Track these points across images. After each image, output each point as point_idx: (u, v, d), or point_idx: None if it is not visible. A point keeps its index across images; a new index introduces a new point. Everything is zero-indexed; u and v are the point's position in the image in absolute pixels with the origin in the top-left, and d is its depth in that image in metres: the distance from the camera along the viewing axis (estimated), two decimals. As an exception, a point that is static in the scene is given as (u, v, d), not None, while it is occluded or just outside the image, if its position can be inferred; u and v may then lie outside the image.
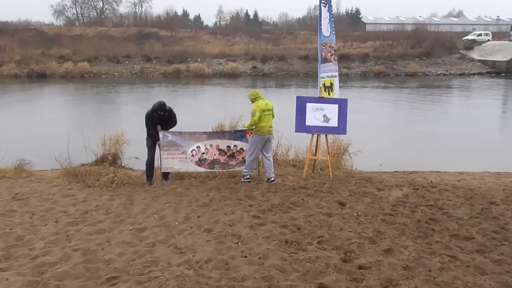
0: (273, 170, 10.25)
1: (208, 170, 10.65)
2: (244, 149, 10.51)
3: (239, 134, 10.52)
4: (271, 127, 10.07)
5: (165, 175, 10.57)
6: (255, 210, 8.33)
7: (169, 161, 10.46)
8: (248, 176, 10.20)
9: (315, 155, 11.15)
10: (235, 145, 10.55)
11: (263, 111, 9.87)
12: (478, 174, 12.02)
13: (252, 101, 10.07)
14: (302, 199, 8.99)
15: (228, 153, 10.56)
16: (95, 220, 7.98)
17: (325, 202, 8.90)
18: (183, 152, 10.47)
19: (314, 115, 10.65)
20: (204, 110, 24.27)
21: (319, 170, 11.37)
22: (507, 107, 28.58)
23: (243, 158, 10.55)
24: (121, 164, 12.53)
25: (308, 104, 10.64)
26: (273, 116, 10.15)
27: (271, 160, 10.25)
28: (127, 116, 23.06)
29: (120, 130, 13.29)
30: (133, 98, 29.52)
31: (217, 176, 10.80)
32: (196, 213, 8.25)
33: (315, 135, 10.91)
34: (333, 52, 11.11)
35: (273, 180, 10.13)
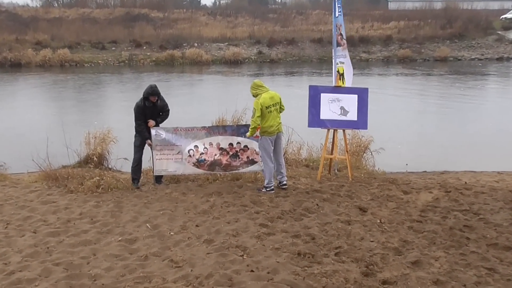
0: (285, 173, 10.20)
1: (208, 172, 10.67)
2: (248, 146, 10.53)
3: (243, 129, 10.51)
4: (279, 123, 9.89)
5: (158, 178, 10.61)
6: (263, 218, 8.34)
7: (163, 162, 10.49)
8: (272, 187, 9.94)
9: (331, 153, 11.14)
10: (238, 142, 10.56)
11: (267, 107, 9.61)
12: (520, 174, 12.01)
13: (254, 95, 9.80)
14: (317, 205, 9.00)
15: (231, 153, 10.58)
16: (79, 230, 8.01)
17: (343, 207, 8.90)
18: (178, 152, 10.50)
19: (330, 107, 10.65)
20: (202, 102, 24.37)
21: (336, 171, 11.37)
22: (553, 96, 28.45)
23: (248, 157, 10.58)
24: (108, 165, 12.58)
25: (322, 95, 10.64)
26: (282, 109, 9.94)
27: (283, 161, 10.21)
28: (114, 110, 23.15)
29: (107, 127, 13.33)
30: (121, 89, 29.63)
31: (218, 179, 10.84)
32: (194, 222, 8.27)
33: (331, 131, 10.91)
34: (341, 34, 11.09)
35: (284, 185, 10.11)
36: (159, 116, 10.34)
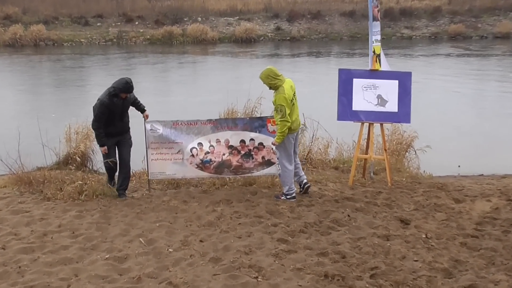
0: (303, 172, 10.33)
1: (215, 175, 10.71)
2: (264, 144, 10.55)
3: (258, 123, 10.54)
4: (298, 115, 10.01)
5: (121, 190, 10.44)
6: (282, 232, 8.36)
7: (160, 164, 10.54)
8: (293, 194, 10.00)
9: (366, 153, 11.12)
10: (252, 139, 10.58)
11: (291, 100, 9.60)
12: None
13: (272, 87, 9.66)
14: (348, 216, 9.00)
15: (243, 152, 10.60)
16: (58, 245, 8.07)
17: (380, 219, 8.89)
18: (179, 151, 10.55)
19: (365, 95, 10.63)
20: (207, 90, 24.45)
21: (371, 174, 11.36)
22: None
23: (263, 158, 10.61)
24: (92, 167, 12.64)
25: (355, 81, 10.63)
26: None
27: (298, 159, 10.32)
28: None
29: (91, 120, 13.33)
30: (108, 74, 29.64)
31: (226, 183, 10.88)
32: (197, 236, 8.31)
33: (366, 125, 10.88)
34: (378, 6, 11.04)
35: (307, 184, 10.21)
36: (127, 113, 10.22)
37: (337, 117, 10.77)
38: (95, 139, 10.24)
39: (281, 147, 9.80)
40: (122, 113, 10.03)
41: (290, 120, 9.48)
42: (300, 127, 10.05)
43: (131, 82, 9.87)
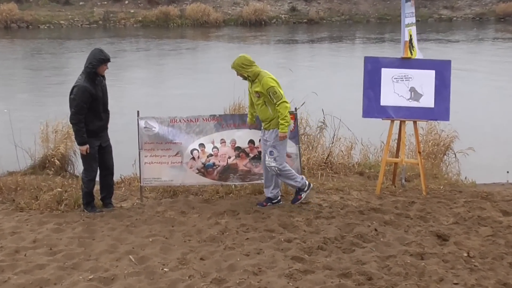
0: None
1: (219, 182, 10.73)
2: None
3: (269, 121, 10.54)
4: None
5: (105, 200, 10.45)
6: (297, 248, 8.35)
7: (154, 168, 10.57)
8: (306, 182, 10.23)
9: (397, 156, 11.10)
10: (263, 140, 10.59)
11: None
12: None
13: (250, 76, 9.72)
14: (375, 230, 8.97)
15: (252, 154, 10.61)
16: (32, 264, 8.07)
17: (413, 234, 8.87)
18: (177, 153, 10.58)
19: (395, 88, 10.62)
20: (210, 81, 24.51)
21: (403, 181, 11.33)
22: None
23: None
24: (74, 172, 12.68)
25: (384, 71, 10.62)
26: None
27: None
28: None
29: (70, 114, 13.36)
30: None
31: (232, 192, 10.90)
32: (198, 253, 8.31)
33: (397, 123, 10.87)
34: None
35: (278, 202, 10.30)
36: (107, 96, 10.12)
37: (363, 113, 10.76)
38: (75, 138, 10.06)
39: (282, 147, 9.86)
40: (106, 101, 10.00)
41: (288, 101, 9.62)
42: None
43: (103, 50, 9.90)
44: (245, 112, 12.05)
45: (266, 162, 9.89)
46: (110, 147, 10.22)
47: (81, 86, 9.53)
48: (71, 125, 10.13)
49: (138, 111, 10.53)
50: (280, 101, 9.48)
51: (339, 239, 8.66)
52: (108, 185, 10.32)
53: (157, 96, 20.00)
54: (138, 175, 10.80)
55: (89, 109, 9.64)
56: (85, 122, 9.66)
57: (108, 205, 10.30)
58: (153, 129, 10.47)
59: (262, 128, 9.98)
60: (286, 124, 9.55)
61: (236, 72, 9.77)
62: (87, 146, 9.76)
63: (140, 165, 10.60)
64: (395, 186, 11.29)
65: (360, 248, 8.38)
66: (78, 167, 12.74)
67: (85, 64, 9.67)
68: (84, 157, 9.93)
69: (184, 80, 24.77)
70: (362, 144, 12.94)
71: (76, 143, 10.13)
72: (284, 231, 9.02)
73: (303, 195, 10.11)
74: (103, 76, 9.89)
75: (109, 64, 9.80)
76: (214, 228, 9.19)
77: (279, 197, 10.26)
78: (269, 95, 9.50)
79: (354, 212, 9.80)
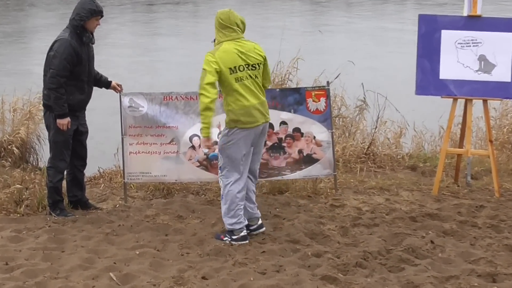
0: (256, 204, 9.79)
1: None
2: (303, 130, 10.57)
3: (293, 98, 10.61)
4: (265, 103, 9.45)
5: (83, 204, 10.42)
6: (328, 266, 8.28)
7: (142, 159, 10.56)
8: (242, 231, 9.31)
9: (461, 146, 11.04)
10: (283, 122, 10.63)
11: (233, 69, 9.16)
12: None
13: (216, 32, 9.35)
14: (432, 242, 8.90)
15: (270, 142, 10.63)
16: (-15, 282, 8.11)
17: (482, 248, 8.78)
18: (171, 141, 10.58)
19: (459, 57, 10.56)
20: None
21: (468, 178, 11.28)
22: None
23: (301, 152, 10.64)
24: (37, 163, 12.69)
25: (445, 34, 10.56)
26: (267, 77, 9.60)
27: (254, 178, 9.79)
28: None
29: (36, 92, 13.34)
30: (59, 20, 29.64)
31: (243, 190, 10.85)
32: (199, 270, 8.25)
33: (461, 102, 10.83)
34: None
35: (258, 228, 9.67)
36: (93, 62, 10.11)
37: (416, 90, 10.74)
38: (49, 109, 9.81)
39: (225, 155, 9.32)
40: (91, 69, 10.00)
41: (210, 93, 8.93)
42: (265, 123, 9.50)
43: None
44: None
45: None
46: (87, 133, 10.26)
47: (65, 40, 9.50)
48: (35, 102, 10.10)
49: (120, 85, 10.47)
50: (200, 91, 9.07)
51: (383, 254, 8.56)
52: (81, 182, 10.38)
53: (144, 64, 19.94)
54: (121, 168, 10.82)
55: (70, 75, 9.60)
56: (68, 90, 9.63)
57: (88, 204, 10.35)
58: (141, 108, 10.44)
59: None
60: (203, 124, 9.08)
61: None
62: (69, 119, 9.68)
63: (123, 155, 10.57)
64: (458, 185, 11.24)
65: (411, 265, 8.30)
66: (44, 156, 12.73)
67: (70, 16, 9.65)
68: (55, 141, 9.87)
69: (180, 42, 24.76)
70: (415, 130, 12.91)
71: (52, 117, 9.76)
72: (312, 243, 8.96)
73: (227, 240, 9.26)
74: (92, 35, 9.84)
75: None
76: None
77: (243, 231, 9.40)
78: None
79: (403, 218, 9.76)
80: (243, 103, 8.96)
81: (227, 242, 9.14)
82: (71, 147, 9.96)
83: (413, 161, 12.40)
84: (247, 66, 9.04)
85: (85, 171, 10.50)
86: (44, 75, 9.76)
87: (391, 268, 8.25)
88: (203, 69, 8.91)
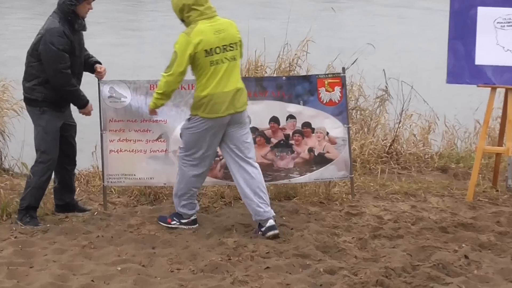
0: (268, 200, 9.88)
1: (224, 181, 10.75)
2: (314, 125, 10.56)
3: (302, 86, 10.59)
4: (239, 90, 9.62)
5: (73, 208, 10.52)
6: (343, 284, 8.22)
7: (125, 159, 10.56)
8: (193, 215, 9.92)
9: (500, 144, 11.00)
10: (291, 116, 10.61)
11: (208, 52, 9.34)
12: None
13: (184, 21, 9.60)
14: (466, 257, 8.85)
15: (275, 139, 10.65)
16: None
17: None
18: (159, 138, 10.58)
19: (499, 38, 10.52)
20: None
21: (509, 182, 11.22)
22: None
23: (311, 150, 10.63)
24: (1, 163, 12.67)
25: (481, 11, 10.50)
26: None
27: (259, 169, 9.95)
28: (18, 45, 23.37)
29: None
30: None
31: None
32: (193, 289, 8.30)
33: (501, 92, 10.78)
34: None
35: (273, 229, 9.72)
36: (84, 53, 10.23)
37: (447, 77, 10.72)
38: (30, 104, 9.96)
39: (184, 133, 9.76)
40: (82, 60, 10.11)
41: (175, 82, 9.44)
42: (239, 114, 9.68)
43: None
44: (265, 75, 12.03)
45: None
46: (75, 128, 10.35)
47: (57, 29, 9.59)
48: (23, 88, 10.09)
49: (103, 68, 10.40)
50: (166, 72, 9.38)
51: (409, 271, 8.50)
52: (71, 185, 10.45)
53: (127, 46, 19.97)
54: (100, 169, 10.81)
55: None
56: (48, 85, 9.75)
57: (77, 207, 10.45)
58: (123, 99, 10.41)
59: None
60: (158, 99, 9.60)
61: None
62: (91, 104, 10.06)
63: (102, 154, 10.56)
64: (496, 190, 11.20)
65: (441, 284, 8.25)
66: (9, 153, 12.84)
67: (59, 0, 9.72)
68: (42, 137, 9.94)
69: (169, 21, 24.78)
70: (446, 125, 12.91)
71: (36, 112, 9.92)
72: (324, 257, 8.90)
73: (175, 224, 9.84)
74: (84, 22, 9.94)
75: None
76: (217, 250, 9.11)
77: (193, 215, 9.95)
78: None
79: (432, 229, 9.72)
80: (212, 89, 9.30)
81: (175, 226, 9.72)
82: (59, 143, 10.02)
83: (443, 162, 12.37)
84: (224, 47, 9.34)
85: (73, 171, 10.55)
86: (29, 66, 9.89)
87: (418, 287, 8.20)
88: (175, 51, 9.19)
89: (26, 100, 10.05)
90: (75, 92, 9.87)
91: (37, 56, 9.77)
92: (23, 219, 9.96)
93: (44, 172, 9.98)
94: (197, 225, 9.80)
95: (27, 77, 9.93)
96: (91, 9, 9.89)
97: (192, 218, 9.83)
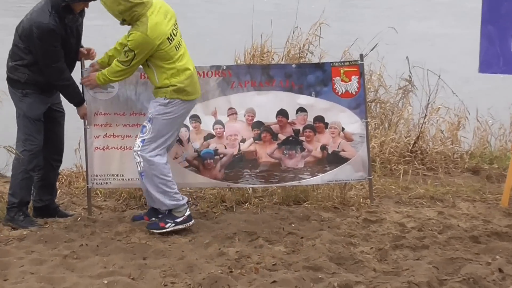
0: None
1: (224, 183, 10.70)
2: (327, 120, 10.51)
3: (314, 76, 10.54)
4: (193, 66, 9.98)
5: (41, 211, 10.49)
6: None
7: (112, 157, 10.55)
8: (187, 211, 9.91)
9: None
10: (302, 109, 10.57)
11: (171, 36, 9.60)
12: None
13: (127, 20, 9.63)
14: (500, 270, 8.78)
15: (283, 136, 10.60)
16: None
17: None
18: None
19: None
20: (208, 11, 24.44)
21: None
22: None
23: (324, 148, 10.58)
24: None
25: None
26: None
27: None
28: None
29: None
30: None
31: (248, 199, 10.88)
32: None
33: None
34: None
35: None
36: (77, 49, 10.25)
37: (479, 66, 10.67)
38: (13, 85, 10.01)
39: (158, 120, 9.73)
40: (76, 51, 10.15)
41: (133, 71, 9.72)
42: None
43: None
44: (272, 63, 11.97)
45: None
46: (64, 116, 10.40)
47: (45, 27, 9.59)
48: (6, 66, 10.12)
49: (81, 58, 10.41)
50: (125, 65, 9.54)
51: (435, 286, 8.44)
52: (53, 184, 10.47)
53: (114, 28, 20.05)
54: (84, 169, 10.76)
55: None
56: (34, 67, 9.80)
57: (57, 211, 10.41)
58: (110, 89, 10.35)
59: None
60: (107, 79, 9.77)
61: None
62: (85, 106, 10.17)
63: (86, 152, 10.52)
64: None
65: (471, 304, 8.21)
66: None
67: None
68: (24, 123, 9.98)
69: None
70: (478, 120, 12.87)
71: (18, 94, 10.01)
72: (339, 270, 8.82)
73: (171, 226, 9.82)
74: (80, 12, 9.96)
75: None
76: (216, 261, 9.03)
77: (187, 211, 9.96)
78: (125, 52, 9.56)
79: (462, 238, 9.65)
80: (189, 70, 9.67)
81: (171, 229, 9.74)
82: (43, 131, 10.04)
83: (475, 162, 12.32)
84: (175, 27, 9.75)
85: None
86: (15, 45, 9.97)
87: (447, 308, 8.15)
88: (132, 50, 9.38)
89: (8, 80, 10.09)
90: (70, 86, 9.92)
91: (26, 41, 9.81)
92: (15, 219, 9.99)
93: (30, 160, 9.98)
94: (193, 221, 9.79)
95: (12, 55, 10.00)
96: (87, 7, 9.86)
97: (187, 213, 9.79)
